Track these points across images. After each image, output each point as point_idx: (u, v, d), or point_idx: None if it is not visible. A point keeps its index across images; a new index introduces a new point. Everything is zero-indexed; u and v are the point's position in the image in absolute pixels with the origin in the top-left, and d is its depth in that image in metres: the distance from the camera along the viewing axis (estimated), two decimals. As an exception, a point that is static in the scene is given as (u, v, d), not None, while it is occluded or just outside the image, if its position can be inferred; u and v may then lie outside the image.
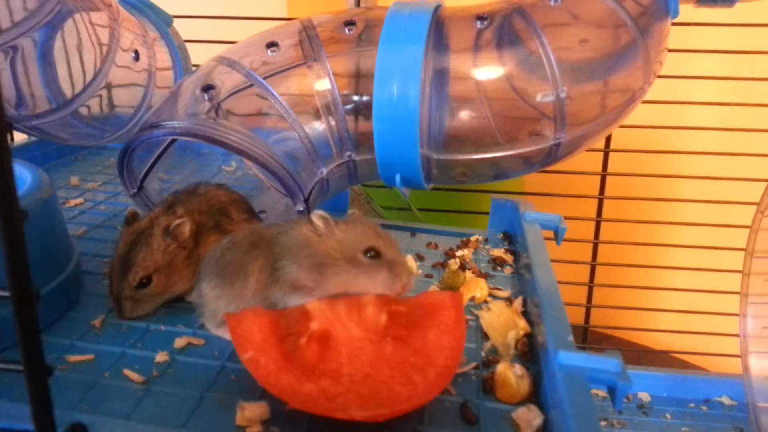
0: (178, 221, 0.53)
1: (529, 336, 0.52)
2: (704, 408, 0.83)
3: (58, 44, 0.70)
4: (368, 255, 0.47)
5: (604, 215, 1.08)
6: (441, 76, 0.59)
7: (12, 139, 0.98)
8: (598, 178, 1.06)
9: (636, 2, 0.64)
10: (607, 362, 0.42)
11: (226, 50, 0.65)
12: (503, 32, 0.61)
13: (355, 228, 0.49)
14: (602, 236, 1.09)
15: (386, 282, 0.47)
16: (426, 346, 0.42)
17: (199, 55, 0.95)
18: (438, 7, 0.61)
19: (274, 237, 0.49)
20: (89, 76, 0.73)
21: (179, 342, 0.50)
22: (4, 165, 0.28)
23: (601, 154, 1.05)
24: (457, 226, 0.79)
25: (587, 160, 0.95)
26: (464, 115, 0.60)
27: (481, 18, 0.60)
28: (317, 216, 0.48)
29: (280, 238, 0.49)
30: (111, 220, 0.76)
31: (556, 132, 0.59)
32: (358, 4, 1.09)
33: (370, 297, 0.45)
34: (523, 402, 0.44)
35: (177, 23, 0.93)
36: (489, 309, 0.55)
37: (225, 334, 0.50)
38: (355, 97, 0.61)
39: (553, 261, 0.59)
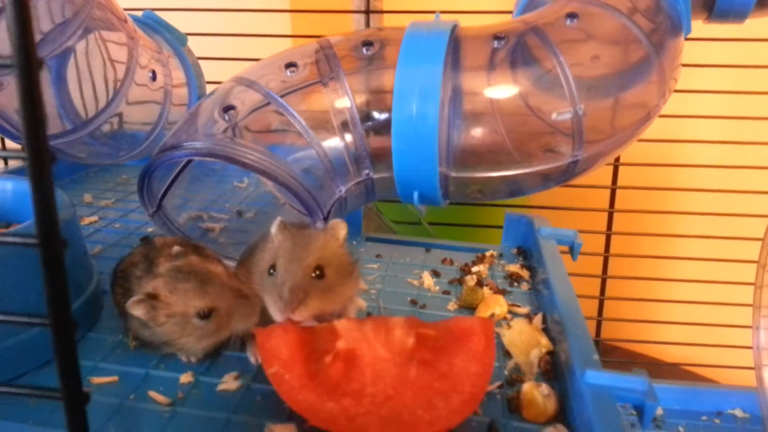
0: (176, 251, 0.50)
1: (551, 354, 0.52)
2: (717, 421, 0.82)
3: (74, 67, 0.71)
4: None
5: (614, 228, 1.08)
6: (459, 95, 0.59)
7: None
8: (608, 191, 1.07)
9: (648, 19, 0.65)
10: (634, 381, 0.43)
11: (243, 71, 0.65)
12: (519, 51, 0.62)
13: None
14: (612, 249, 1.10)
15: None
16: (452, 372, 0.42)
17: (205, 71, 0.96)
18: (455, 27, 0.62)
19: (260, 240, 0.52)
20: (109, 95, 0.73)
21: (203, 362, 0.50)
22: (48, 194, 0.28)
23: (610, 168, 1.05)
24: (469, 240, 0.79)
25: (597, 174, 0.95)
26: (481, 133, 0.60)
27: (498, 37, 0.60)
28: (276, 224, 0.49)
29: (260, 245, 0.52)
30: (126, 238, 0.76)
31: (574, 149, 0.60)
32: (367, 23, 1.09)
33: (398, 319, 0.45)
34: (549, 421, 0.44)
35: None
36: (510, 327, 0.55)
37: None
38: (374, 115, 0.61)
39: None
